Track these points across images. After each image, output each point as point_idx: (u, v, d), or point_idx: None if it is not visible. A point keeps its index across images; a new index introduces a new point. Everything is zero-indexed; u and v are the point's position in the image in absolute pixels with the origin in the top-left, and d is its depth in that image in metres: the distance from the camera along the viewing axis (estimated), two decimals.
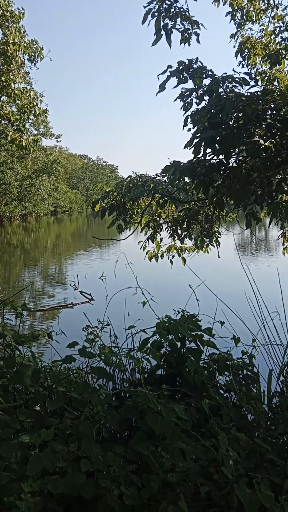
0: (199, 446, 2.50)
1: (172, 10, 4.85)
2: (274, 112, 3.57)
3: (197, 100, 3.85)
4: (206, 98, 3.82)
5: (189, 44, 5.03)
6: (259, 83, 7.04)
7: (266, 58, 7.23)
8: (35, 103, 12.80)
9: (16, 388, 2.92)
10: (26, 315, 11.39)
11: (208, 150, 3.69)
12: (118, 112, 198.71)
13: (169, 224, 5.21)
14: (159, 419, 2.51)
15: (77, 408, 2.68)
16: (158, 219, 5.19)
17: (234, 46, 8.01)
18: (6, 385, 2.92)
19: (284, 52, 6.94)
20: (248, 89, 3.84)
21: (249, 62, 7.71)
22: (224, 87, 3.81)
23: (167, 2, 4.81)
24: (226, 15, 7.79)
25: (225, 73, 3.87)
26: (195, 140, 3.66)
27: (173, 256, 5.50)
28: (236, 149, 3.68)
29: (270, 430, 2.90)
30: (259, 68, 7.67)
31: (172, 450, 2.38)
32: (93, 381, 3.20)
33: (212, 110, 3.68)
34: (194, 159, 3.84)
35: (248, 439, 2.62)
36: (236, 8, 7.43)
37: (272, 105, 3.57)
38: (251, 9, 7.48)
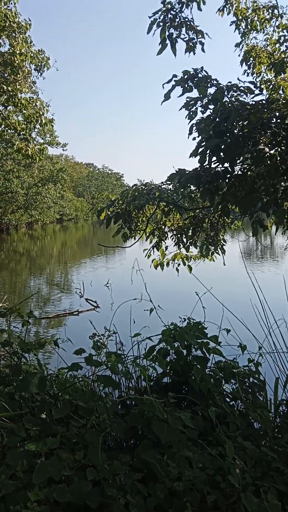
0: (205, 454, 2.49)
1: (177, 20, 4.91)
2: (279, 120, 3.58)
3: (202, 109, 3.88)
4: (211, 107, 3.85)
5: (194, 53, 5.08)
6: (264, 91, 7.07)
7: (271, 66, 7.25)
8: (41, 113, 12.93)
9: (22, 396, 2.92)
10: (32, 322, 11.40)
11: (214, 159, 3.71)
12: (122, 120, 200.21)
13: (174, 232, 5.21)
14: (165, 427, 2.50)
15: (83, 416, 2.67)
16: (163, 227, 5.20)
17: (239, 55, 8.06)
18: (12, 393, 2.93)
19: None
20: (253, 98, 3.86)
21: (254, 70, 7.74)
22: (229, 96, 3.84)
23: (172, 12, 4.87)
24: (230, 25, 7.84)
25: (230, 82, 3.90)
26: (200, 149, 3.67)
27: (178, 264, 5.49)
28: (241, 157, 3.70)
29: (277, 438, 2.88)
30: (264, 77, 7.70)
31: (178, 459, 2.37)
32: (99, 389, 3.20)
33: (217, 119, 3.69)
34: (200, 167, 3.86)
35: (254, 447, 2.61)
36: (240, 17, 7.48)
37: (277, 114, 3.59)
38: (256, 18, 7.52)
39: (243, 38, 7.77)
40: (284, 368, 3.84)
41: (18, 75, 12.45)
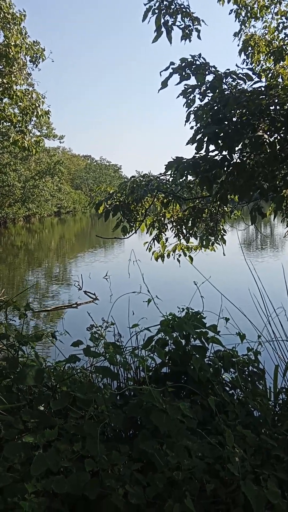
0: (204, 443, 2.47)
1: (172, 7, 4.83)
2: (278, 107, 3.53)
3: (200, 97, 3.82)
4: (210, 94, 3.79)
5: (189, 41, 5.00)
6: (263, 79, 7.00)
7: (269, 55, 7.17)
8: (37, 105, 12.81)
9: (19, 389, 2.90)
10: (31, 315, 11.41)
11: (211, 147, 3.67)
12: (120, 111, 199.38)
13: (174, 224, 5.17)
14: (164, 417, 2.48)
15: (82, 407, 2.66)
16: (162, 219, 5.16)
17: (238, 45, 7.96)
18: (10, 385, 2.90)
19: (287, 48, 6.89)
20: (252, 85, 3.80)
21: (252, 59, 7.66)
22: (227, 83, 3.78)
23: None
24: (229, 13, 7.74)
25: (228, 69, 3.84)
26: (198, 136, 3.62)
27: (179, 255, 5.47)
28: (240, 145, 3.65)
29: (277, 426, 2.87)
30: (263, 66, 7.61)
31: (177, 448, 2.35)
32: (97, 380, 3.18)
33: (215, 106, 3.64)
34: (198, 156, 3.81)
35: (254, 436, 2.59)
36: (240, 6, 7.38)
37: (276, 100, 3.54)
38: (255, 6, 7.43)
39: (242, 27, 7.68)
40: (284, 356, 3.83)
41: (13, 67, 12.30)
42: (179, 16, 4.88)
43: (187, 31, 4.95)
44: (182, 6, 4.90)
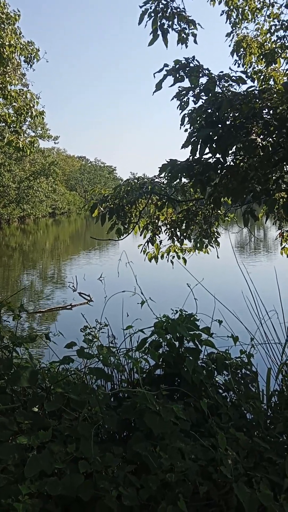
0: (198, 445, 2.49)
1: (168, 10, 4.83)
2: (271, 110, 3.56)
3: (194, 99, 3.84)
4: (204, 97, 3.81)
5: (186, 46, 5.01)
6: (255, 82, 7.04)
7: (261, 57, 7.21)
8: (31, 105, 12.80)
9: (13, 390, 2.90)
10: (25, 317, 11.38)
11: (206, 151, 3.68)
12: (116, 113, 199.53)
13: (168, 226, 5.19)
14: (157, 419, 2.49)
15: (76, 409, 2.66)
16: (156, 221, 5.17)
17: (230, 45, 8.00)
18: (4, 387, 2.90)
19: (279, 51, 6.94)
20: (246, 89, 3.83)
21: (244, 61, 7.70)
22: (220, 86, 3.80)
23: (163, 1, 4.79)
24: (221, 14, 7.77)
25: (222, 72, 3.86)
26: (192, 139, 3.64)
27: (173, 257, 5.48)
28: (233, 148, 3.67)
29: (269, 429, 2.89)
30: (255, 67, 7.66)
31: (170, 450, 2.36)
32: (91, 381, 3.18)
33: (209, 109, 3.66)
34: (191, 158, 3.83)
35: (247, 438, 2.61)
36: (231, 7, 7.42)
37: (269, 104, 3.56)
38: (247, 8, 7.47)
39: (234, 28, 7.72)
40: (276, 359, 3.85)
41: (8, 67, 12.29)
42: (175, 20, 4.89)
43: (183, 34, 4.95)
44: (178, 9, 4.90)
